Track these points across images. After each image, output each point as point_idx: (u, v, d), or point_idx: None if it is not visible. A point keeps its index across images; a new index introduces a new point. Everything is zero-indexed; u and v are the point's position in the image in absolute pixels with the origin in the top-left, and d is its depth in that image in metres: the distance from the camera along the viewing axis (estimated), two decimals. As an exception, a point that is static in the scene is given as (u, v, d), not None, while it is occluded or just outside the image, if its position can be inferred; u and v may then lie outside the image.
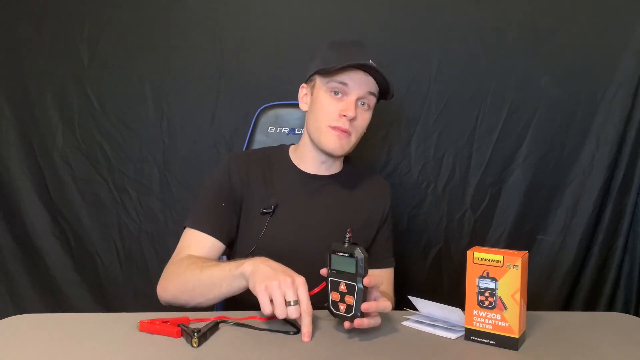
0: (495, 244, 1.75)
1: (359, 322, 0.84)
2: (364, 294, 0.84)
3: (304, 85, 1.19)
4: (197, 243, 1.08)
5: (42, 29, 1.65)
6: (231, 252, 1.18)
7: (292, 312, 0.82)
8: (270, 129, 1.42)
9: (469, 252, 0.85)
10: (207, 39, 1.66)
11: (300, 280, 0.84)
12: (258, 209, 1.12)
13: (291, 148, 1.24)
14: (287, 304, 0.82)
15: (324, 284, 0.90)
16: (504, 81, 1.69)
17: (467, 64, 1.68)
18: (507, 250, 0.83)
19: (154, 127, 1.69)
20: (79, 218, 1.72)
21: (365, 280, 0.84)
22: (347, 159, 1.26)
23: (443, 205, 1.74)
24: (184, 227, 1.12)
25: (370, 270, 0.87)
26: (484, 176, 1.73)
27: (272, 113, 1.43)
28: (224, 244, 1.11)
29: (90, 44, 1.66)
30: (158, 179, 1.70)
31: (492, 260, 0.82)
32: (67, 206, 1.71)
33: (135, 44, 1.66)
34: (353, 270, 0.84)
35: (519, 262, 0.81)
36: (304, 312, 0.82)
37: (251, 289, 0.86)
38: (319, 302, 0.91)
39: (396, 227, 1.73)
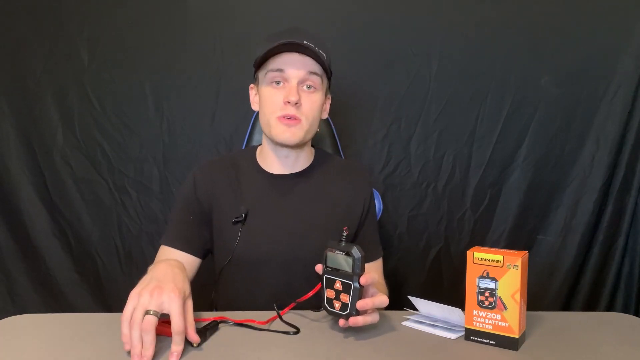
0: (495, 244, 1.75)
1: (353, 321, 0.83)
2: (360, 293, 0.84)
3: (252, 85, 1.15)
4: (169, 258, 1.06)
5: (42, 29, 1.65)
6: (212, 264, 1.17)
7: (145, 322, 0.74)
8: (269, 129, 1.41)
9: (469, 252, 0.84)
10: (207, 39, 1.66)
11: (173, 294, 0.77)
12: (229, 219, 1.08)
13: (258, 149, 1.18)
14: (147, 312, 0.75)
15: (317, 287, 0.89)
16: (504, 81, 1.69)
17: (467, 64, 1.68)
18: (507, 250, 0.83)
19: (154, 127, 1.69)
20: (79, 218, 1.72)
21: (362, 280, 0.83)
22: (318, 149, 1.21)
23: (443, 205, 1.74)
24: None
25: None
26: (484, 176, 1.73)
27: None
28: (198, 257, 1.10)
29: (90, 44, 1.66)
30: (158, 179, 1.71)
31: (492, 260, 0.82)
32: (67, 206, 1.71)
33: (135, 44, 1.66)
34: (349, 269, 0.84)
35: (519, 262, 0.81)
36: (173, 330, 0.76)
37: None
38: (314, 306, 0.91)
39: (396, 227, 1.74)
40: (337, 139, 1.44)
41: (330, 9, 1.67)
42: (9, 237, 1.71)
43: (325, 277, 0.87)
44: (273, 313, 0.93)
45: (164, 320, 0.79)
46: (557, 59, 1.68)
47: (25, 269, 1.72)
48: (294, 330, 0.87)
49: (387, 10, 1.66)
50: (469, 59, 1.68)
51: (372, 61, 1.67)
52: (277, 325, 0.90)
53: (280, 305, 0.94)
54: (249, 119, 1.44)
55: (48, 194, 1.71)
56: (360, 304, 0.83)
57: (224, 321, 0.90)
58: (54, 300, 1.73)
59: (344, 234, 0.87)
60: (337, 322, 0.88)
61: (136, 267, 1.71)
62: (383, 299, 0.86)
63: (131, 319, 0.75)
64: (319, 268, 0.89)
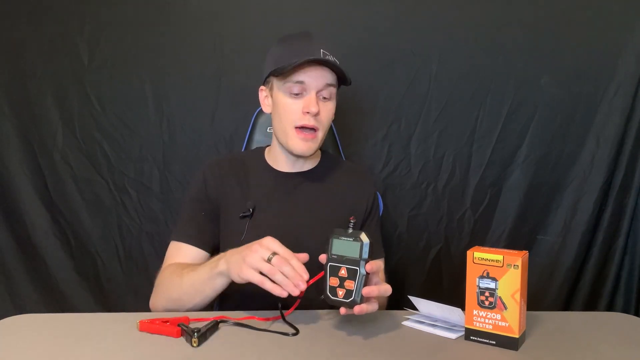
0: (495, 244, 1.75)
1: (359, 309, 0.83)
2: (366, 280, 0.84)
3: (262, 87, 1.17)
4: (182, 254, 1.10)
5: (42, 29, 1.65)
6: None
7: (277, 263, 0.84)
8: (270, 129, 1.41)
9: (469, 252, 0.85)
10: (207, 39, 1.66)
11: (269, 238, 0.88)
12: (236, 214, 1.10)
13: (267, 149, 1.22)
14: (268, 260, 0.85)
15: (320, 274, 0.88)
16: (504, 81, 1.69)
17: (467, 64, 1.68)
18: (507, 250, 0.83)
19: (154, 127, 1.69)
20: (79, 218, 1.72)
21: (368, 266, 0.84)
22: (324, 152, 1.24)
23: (443, 205, 1.74)
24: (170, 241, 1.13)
25: None
26: (484, 176, 1.73)
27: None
28: (208, 252, 1.12)
29: (90, 44, 1.66)
30: (158, 179, 1.71)
31: (492, 260, 0.82)
32: (67, 206, 1.71)
33: (135, 44, 1.66)
34: (356, 255, 0.84)
35: (519, 262, 0.81)
36: (288, 259, 0.85)
37: (237, 279, 0.89)
38: (318, 293, 0.91)
39: (396, 227, 1.74)
40: (337, 139, 1.44)
41: (330, 9, 1.66)
42: (9, 237, 1.71)
43: (330, 265, 0.86)
44: (275, 313, 0.93)
45: (164, 320, 0.79)
46: (557, 59, 1.68)
47: (25, 269, 1.72)
48: (294, 331, 0.87)
49: (387, 10, 1.66)
50: (469, 59, 1.68)
51: (372, 61, 1.67)
52: (277, 325, 0.90)
53: (284, 304, 0.93)
54: (249, 119, 1.44)
55: (48, 194, 1.71)
56: (366, 291, 0.83)
57: (224, 321, 0.90)
58: (54, 300, 1.72)
59: (352, 222, 0.87)
60: (337, 322, 0.88)
61: (136, 267, 1.71)
62: (387, 287, 0.87)
63: (268, 275, 0.84)
64: (322, 258, 0.88)
